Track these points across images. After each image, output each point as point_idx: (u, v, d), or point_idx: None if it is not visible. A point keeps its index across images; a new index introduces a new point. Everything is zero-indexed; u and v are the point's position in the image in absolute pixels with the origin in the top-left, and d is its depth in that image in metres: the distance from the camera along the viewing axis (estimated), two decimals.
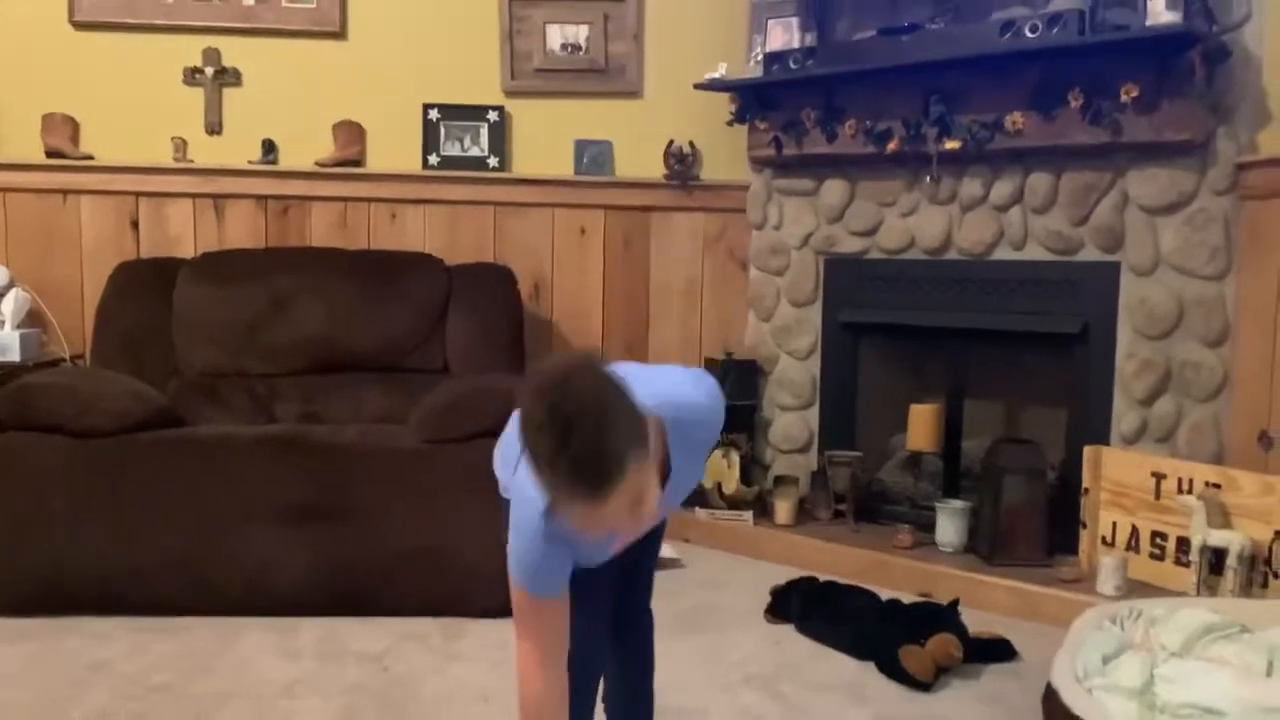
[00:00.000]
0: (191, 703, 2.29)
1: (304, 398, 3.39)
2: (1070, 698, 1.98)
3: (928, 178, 3.32)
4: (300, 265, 3.54)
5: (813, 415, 3.78)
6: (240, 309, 3.44)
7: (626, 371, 1.41)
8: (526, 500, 1.45)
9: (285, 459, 2.88)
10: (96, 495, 2.81)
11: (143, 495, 2.82)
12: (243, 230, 3.79)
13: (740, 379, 3.80)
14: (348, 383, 3.43)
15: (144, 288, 3.49)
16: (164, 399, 3.11)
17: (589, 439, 1.25)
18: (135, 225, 3.76)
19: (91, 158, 3.72)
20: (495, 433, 2.91)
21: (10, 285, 3.52)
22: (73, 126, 3.72)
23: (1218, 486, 2.79)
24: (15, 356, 3.41)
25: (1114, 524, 3.04)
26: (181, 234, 3.77)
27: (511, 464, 1.53)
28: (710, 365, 3.83)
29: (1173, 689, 1.94)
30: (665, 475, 1.52)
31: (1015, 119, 3.09)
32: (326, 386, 3.41)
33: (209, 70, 3.78)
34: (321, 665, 2.52)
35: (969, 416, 3.48)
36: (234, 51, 3.78)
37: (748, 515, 3.62)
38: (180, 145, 3.74)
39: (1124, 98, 2.88)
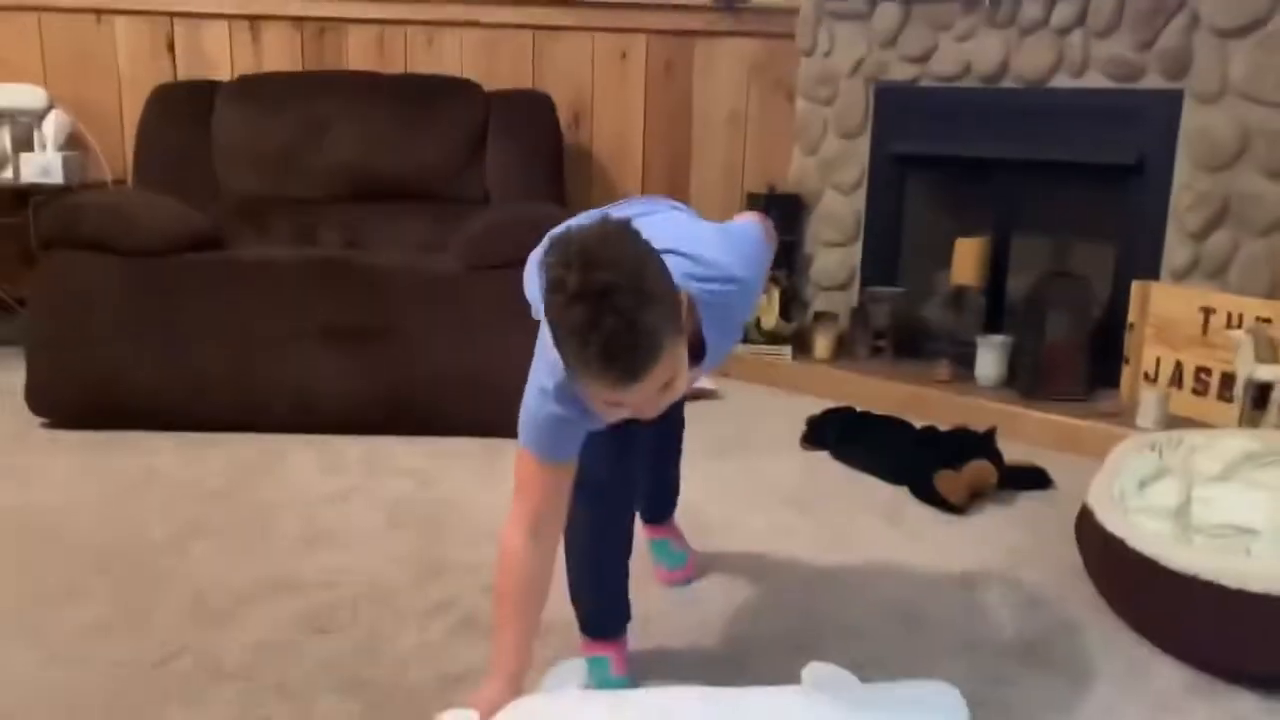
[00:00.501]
0: (243, 508, 2.37)
1: (345, 224, 3.39)
2: (1105, 517, 2.00)
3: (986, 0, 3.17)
4: (338, 90, 3.49)
5: (856, 251, 3.73)
6: (279, 134, 3.42)
7: (666, 235, 1.30)
8: (546, 363, 1.36)
9: (328, 283, 2.89)
10: (143, 314, 2.85)
11: (189, 315, 2.86)
12: (279, 53, 3.72)
13: (783, 214, 3.73)
14: (388, 210, 3.42)
15: (183, 111, 3.47)
16: (208, 221, 3.12)
17: (624, 316, 1.14)
18: (171, 47, 3.70)
19: None
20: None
21: (50, 107, 3.50)
22: None
23: (1268, 321, 2.74)
24: (59, 178, 3.42)
25: (1158, 359, 3.00)
26: (218, 56, 3.71)
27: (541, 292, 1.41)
28: (752, 200, 3.77)
29: (1208, 510, 1.95)
30: (698, 352, 1.41)
31: None
32: (367, 213, 3.41)
33: None
34: (365, 479, 2.59)
35: (1017, 252, 3.41)
36: None
37: (786, 350, 3.62)
38: None
39: None
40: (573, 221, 1.35)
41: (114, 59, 3.69)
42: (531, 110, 3.56)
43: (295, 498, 2.45)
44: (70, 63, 3.67)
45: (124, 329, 2.85)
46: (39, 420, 2.92)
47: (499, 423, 2.91)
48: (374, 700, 1.61)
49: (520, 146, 3.52)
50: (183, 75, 3.68)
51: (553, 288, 1.17)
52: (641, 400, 1.25)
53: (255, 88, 3.51)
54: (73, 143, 3.59)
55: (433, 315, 2.89)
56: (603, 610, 1.71)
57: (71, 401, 2.88)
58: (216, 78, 3.60)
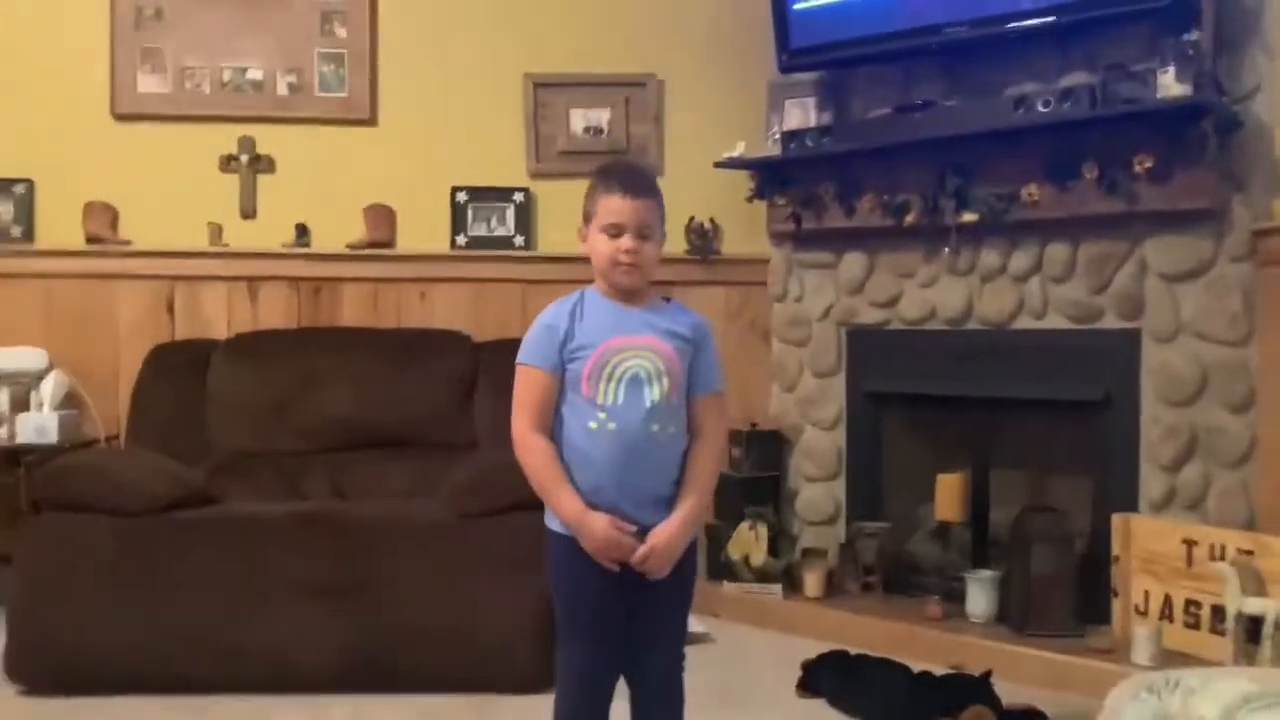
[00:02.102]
0: None
1: (333, 474, 3.43)
2: None
3: (946, 250, 3.37)
4: (331, 345, 3.62)
5: (839, 486, 3.78)
6: (272, 388, 3.51)
7: None
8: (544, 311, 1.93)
9: (313, 535, 2.91)
10: (128, 574, 2.84)
11: (174, 573, 2.85)
12: (276, 311, 3.87)
13: (765, 450, 3.82)
14: (376, 458, 3.47)
15: (178, 369, 3.58)
16: (196, 478, 3.16)
17: (639, 164, 2.17)
18: (171, 308, 3.85)
19: (129, 243, 3.83)
20: (525, 507, 2.95)
21: (49, 368, 3.60)
22: (112, 214, 3.84)
23: (1250, 553, 2.77)
24: (53, 438, 3.47)
25: (1146, 592, 3.01)
26: (216, 316, 3.86)
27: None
28: (735, 437, 3.85)
29: None
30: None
31: (1031, 191, 3.14)
32: (355, 462, 3.45)
33: (244, 158, 3.90)
34: None
35: (996, 485, 3.47)
36: (268, 139, 3.91)
37: (776, 588, 3.61)
38: (216, 231, 3.85)
39: (1138, 168, 2.93)
40: None
41: (115, 320, 3.83)
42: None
43: None
44: (72, 324, 3.80)
45: (109, 590, 2.83)
46: (15, 688, 2.84)
47: (491, 674, 2.86)
48: None
49: (508, 393, 3.59)
50: (181, 335, 3.81)
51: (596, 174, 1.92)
52: (634, 222, 1.84)
53: (250, 344, 3.63)
54: (69, 401, 3.67)
55: (420, 565, 2.89)
56: None
57: (52, 667, 2.82)
58: (214, 336, 3.72)
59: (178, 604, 2.83)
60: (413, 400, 3.54)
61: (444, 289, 3.93)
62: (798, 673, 2.92)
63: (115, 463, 3.13)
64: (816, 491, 3.81)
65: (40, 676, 2.83)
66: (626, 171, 1.91)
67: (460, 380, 3.59)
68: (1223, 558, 2.81)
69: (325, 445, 3.49)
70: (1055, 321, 3.25)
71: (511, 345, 3.70)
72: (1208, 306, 2.96)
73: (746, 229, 3.90)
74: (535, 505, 2.93)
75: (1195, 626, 2.89)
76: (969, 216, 3.26)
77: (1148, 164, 2.91)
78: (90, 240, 3.81)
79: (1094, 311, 3.17)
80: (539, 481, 1.89)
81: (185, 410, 3.51)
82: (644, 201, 1.85)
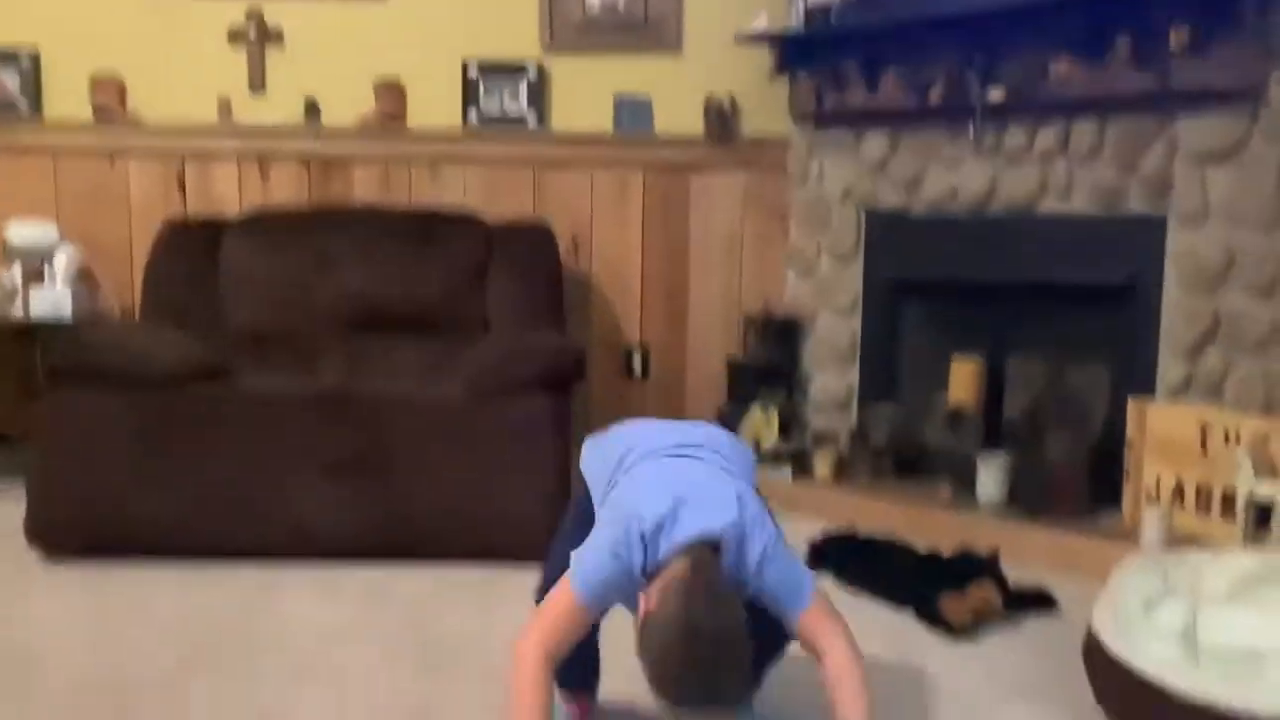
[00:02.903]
0: (238, 643, 2.34)
1: (348, 355, 3.42)
2: (1111, 641, 1.97)
3: (971, 129, 3.27)
4: (343, 224, 3.59)
5: (853, 372, 3.76)
6: (285, 267, 3.49)
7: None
8: (625, 534, 1.58)
9: (329, 412, 2.92)
10: (146, 445, 2.87)
11: (189, 445, 2.88)
12: (287, 189, 3.83)
13: (780, 336, 3.79)
14: (390, 339, 3.46)
15: (191, 246, 3.55)
16: (212, 353, 3.16)
17: (708, 681, 1.45)
18: (182, 185, 3.82)
19: (139, 119, 3.78)
20: (538, 387, 2.97)
21: (61, 243, 3.59)
22: (119, 87, 3.77)
23: (1265, 437, 2.74)
24: (67, 313, 3.48)
25: (1158, 477, 3.00)
26: (227, 193, 3.82)
27: (605, 474, 1.77)
28: (749, 322, 3.83)
29: (1215, 632, 1.92)
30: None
31: (1061, 67, 3.03)
32: (369, 342, 3.45)
33: (252, 30, 3.81)
34: (363, 611, 2.56)
35: (1013, 372, 3.44)
36: (276, 11, 3.82)
37: (786, 471, 3.62)
38: (225, 105, 3.78)
39: (1173, 42, 2.82)
40: (683, 513, 1.61)
41: (125, 196, 3.80)
42: (532, 240, 3.64)
43: (292, 631, 2.42)
44: (83, 200, 3.78)
45: (126, 460, 2.86)
46: (37, 553, 2.90)
47: (500, 549, 2.91)
48: None
49: (521, 275, 3.59)
50: (192, 212, 3.78)
51: (660, 631, 1.47)
52: None
53: (262, 222, 3.60)
54: (81, 278, 3.66)
55: (432, 444, 2.90)
56: (572, 660, 1.70)
57: (72, 533, 2.87)
58: (225, 213, 3.69)
59: (196, 476, 2.86)
60: (426, 281, 3.52)
61: (455, 168, 3.87)
62: (804, 552, 2.94)
63: (133, 336, 3.14)
64: (830, 378, 3.79)
65: (61, 542, 2.89)
66: (686, 693, 1.48)
67: (473, 261, 3.55)
68: (1238, 443, 2.79)
69: (338, 325, 3.48)
70: (1080, 205, 3.17)
71: (525, 227, 3.74)
72: (1238, 189, 2.88)
73: (767, 109, 3.80)
74: (548, 386, 2.97)
75: (1205, 511, 2.88)
76: (995, 94, 3.16)
77: (1183, 37, 2.80)
78: (98, 113, 3.75)
79: (1120, 194, 3.09)
80: (516, 703, 1.59)
81: (199, 288, 3.50)
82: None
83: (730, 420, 3.73)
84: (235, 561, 2.84)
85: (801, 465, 3.65)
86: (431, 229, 3.59)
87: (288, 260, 3.50)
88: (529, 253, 3.61)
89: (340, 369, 3.39)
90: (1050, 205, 3.23)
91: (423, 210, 3.71)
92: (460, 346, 3.31)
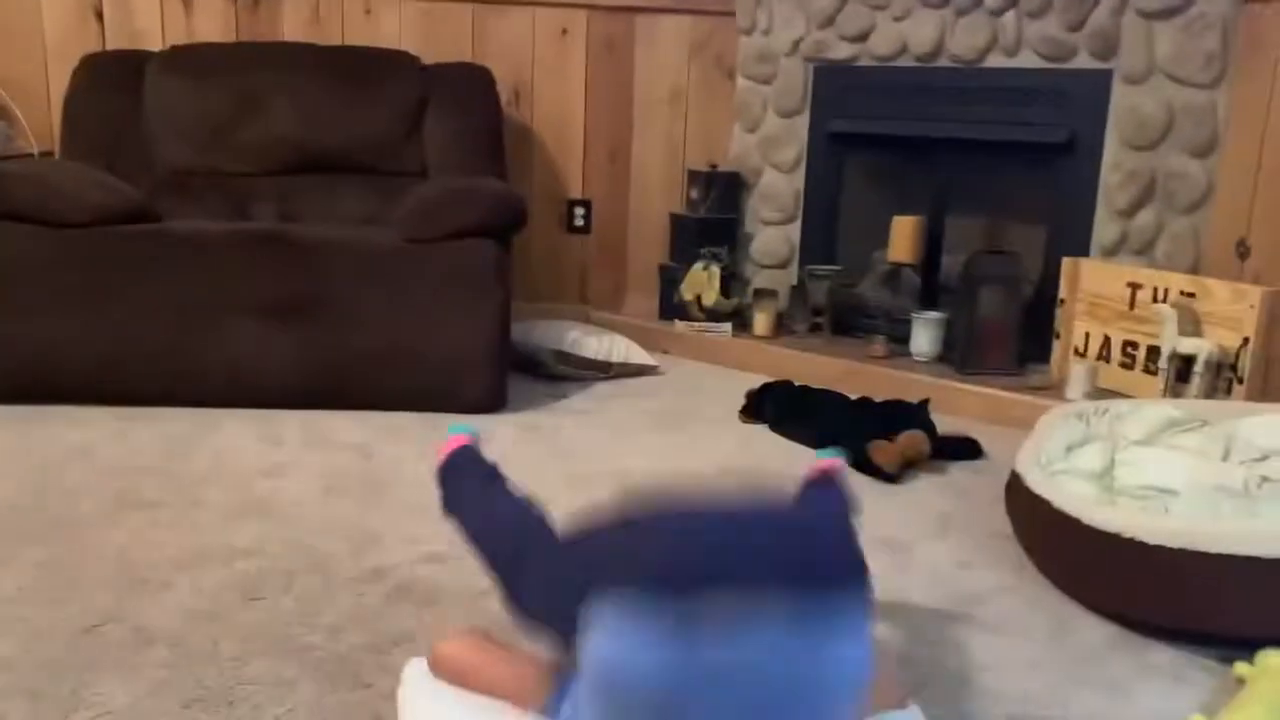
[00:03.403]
0: (175, 480, 2.33)
1: (280, 197, 3.33)
2: (1031, 480, 2.05)
3: None
4: (274, 61, 3.43)
5: (795, 230, 3.76)
6: (213, 105, 3.35)
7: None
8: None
9: (265, 255, 2.85)
10: (73, 286, 2.78)
11: (120, 288, 2.80)
12: (212, 25, 3.64)
13: (724, 192, 3.76)
14: (324, 183, 3.37)
15: (113, 81, 3.38)
16: (139, 193, 3.05)
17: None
18: (99, 15, 3.61)
19: None
20: (474, 233, 2.93)
21: None
22: None
23: (1191, 295, 2.82)
24: None
25: (1086, 334, 3.08)
26: (148, 27, 3.62)
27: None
28: (693, 177, 3.79)
29: (1131, 472, 2.01)
30: None
31: None
32: (303, 186, 3.35)
33: None
34: (302, 451, 2.56)
35: (951, 231, 3.47)
36: None
37: (726, 327, 3.65)
38: None
39: None
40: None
41: (39, 27, 3.59)
42: (471, 84, 3.53)
43: (229, 469, 2.41)
44: None
45: (53, 302, 2.78)
46: None
47: (437, 396, 2.91)
48: (308, 664, 1.60)
49: (459, 120, 3.49)
50: (111, 46, 3.59)
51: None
52: None
53: (188, 58, 3.43)
54: None
55: (371, 289, 2.86)
56: None
57: (1, 375, 2.81)
58: (147, 48, 3.51)
59: (125, 318, 2.79)
60: (360, 124, 3.40)
61: (390, 5, 3.70)
62: (741, 401, 2.99)
63: (53, 172, 3.00)
64: (772, 235, 3.79)
65: None
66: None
67: (409, 104, 3.44)
68: (1165, 300, 2.86)
69: (271, 167, 3.37)
70: (1027, 60, 3.15)
71: (464, 71, 3.61)
72: (1183, 46, 2.88)
73: None
74: (486, 231, 2.92)
75: (1130, 367, 2.97)
76: None
77: None
78: None
79: (1067, 49, 3.07)
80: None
81: (121, 126, 3.35)
82: None
83: (672, 278, 3.73)
84: (169, 407, 2.81)
85: (742, 321, 3.68)
86: (365, 69, 3.45)
87: (216, 97, 3.35)
88: (468, 97, 3.50)
89: (273, 211, 3.30)
90: (998, 59, 3.20)
91: (356, 49, 3.56)
92: (397, 190, 3.23)
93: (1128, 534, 1.76)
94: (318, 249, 2.87)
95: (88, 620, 1.70)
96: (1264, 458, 1.99)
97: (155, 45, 3.55)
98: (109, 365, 2.81)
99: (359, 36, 3.68)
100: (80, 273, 2.79)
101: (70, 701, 1.48)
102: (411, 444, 2.65)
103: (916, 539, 2.19)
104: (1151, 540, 1.73)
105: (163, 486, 2.29)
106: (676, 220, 3.82)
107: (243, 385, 2.85)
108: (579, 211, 3.94)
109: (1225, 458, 2.02)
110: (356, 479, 2.39)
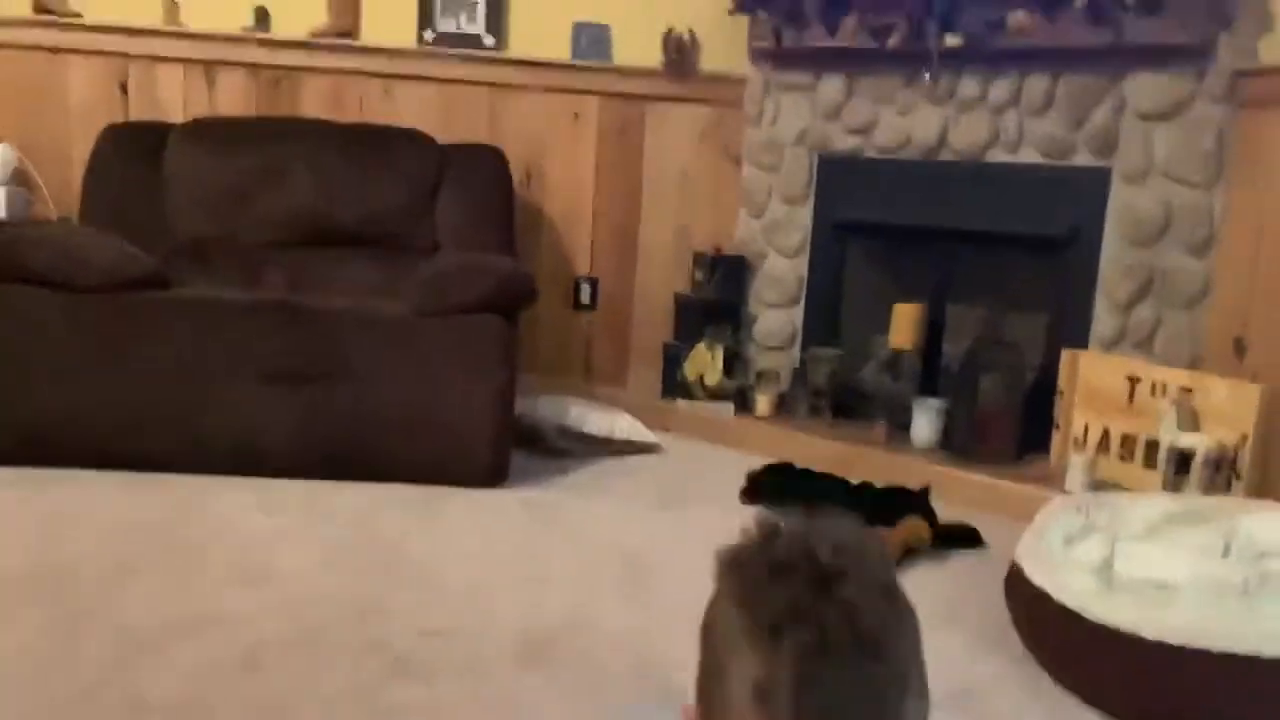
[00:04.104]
0: (176, 546, 2.33)
1: (294, 268, 3.38)
2: (1032, 571, 2.05)
3: (926, 75, 3.30)
4: (293, 135, 3.51)
5: (798, 313, 3.81)
6: (231, 176, 3.42)
7: None
8: None
9: (276, 324, 2.89)
10: (85, 351, 2.81)
11: (131, 354, 2.83)
12: (234, 99, 3.74)
13: (728, 275, 3.82)
14: (338, 256, 3.42)
15: (134, 150, 3.46)
16: (154, 261, 3.10)
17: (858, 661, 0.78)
18: (124, 88, 3.71)
19: (80, 16, 3.65)
20: (483, 308, 2.97)
21: None
22: None
23: (1190, 391, 2.85)
24: (1, 213, 3.38)
25: (1086, 425, 3.10)
26: (171, 99, 3.72)
27: None
28: (699, 259, 3.85)
29: (1131, 566, 2.01)
30: None
31: (1019, 17, 3.06)
32: (317, 259, 3.40)
33: None
34: (304, 520, 2.57)
35: (952, 319, 3.52)
36: None
37: (728, 407, 3.67)
38: (171, 7, 3.67)
39: None
40: None
41: (65, 97, 3.68)
42: (485, 162, 3.61)
43: (231, 537, 2.42)
44: (20, 98, 3.66)
45: (64, 366, 2.80)
46: None
47: (441, 468, 2.92)
48: None
49: (472, 197, 3.56)
50: (135, 117, 3.68)
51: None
52: None
53: (209, 129, 3.52)
54: (18, 179, 3.56)
55: (380, 360, 2.89)
56: None
57: (7, 437, 2.82)
58: (169, 120, 3.60)
59: (136, 384, 2.82)
60: (376, 198, 3.47)
61: (409, 86, 3.80)
62: (743, 482, 3.00)
63: (70, 237, 3.06)
64: (775, 317, 3.84)
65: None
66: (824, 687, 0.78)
67: (424, 181, 3.51)
68: (1164, 395, 2.89)
69: (285, 239, 3.43)
70: (1028, 156, 3.23)
71: (478, 150, 3.69)
72: (1180, 147, 2.95)
73: (725, 45, 3.78)
74: (494, 306, 2.97)
75: (1129, 459, 2.99)
76: (952, 41, 3.18)
77: None
78: (38, 10, 3.62)
79: (1068, 147, 3.15)
80: None
81: (141, 194, 3.42)
82: None
83: (676, 357, 3.77)
84: (174, 474, 2.82)
85: (744, 402, 3.70)
86: (382, 145, 3.54)
87: (234, 168, 3.43)
88: (482, 176, 3.58)
89: (285, 281, 3.35)
90: (999, 155, 3.28)
91: (374, 126, 3.65)
92: (409, 264, 3.28)
93: (1128, 629, 1.76)
94: (327, 319, 2.91)
95: (84, 685, 1.69)
96: (1264, 555, 1.99)
97: (178, 118, 3.64)
98: (116, 430, 2.83)
99: (377, 115, 3.77)
100: (91, 337, 2.82)
101: None
102: (412, 516, 2.65)
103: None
104: (1152, 636, 1.73)
105: (162, 553, 2.29)
106: (681, 300, 3.87)
107: (248, 453, 2.87)
108: (585, 288, 4.00)
109: (1225, 554, 2.02)
110: (357, 550, 2.39)
